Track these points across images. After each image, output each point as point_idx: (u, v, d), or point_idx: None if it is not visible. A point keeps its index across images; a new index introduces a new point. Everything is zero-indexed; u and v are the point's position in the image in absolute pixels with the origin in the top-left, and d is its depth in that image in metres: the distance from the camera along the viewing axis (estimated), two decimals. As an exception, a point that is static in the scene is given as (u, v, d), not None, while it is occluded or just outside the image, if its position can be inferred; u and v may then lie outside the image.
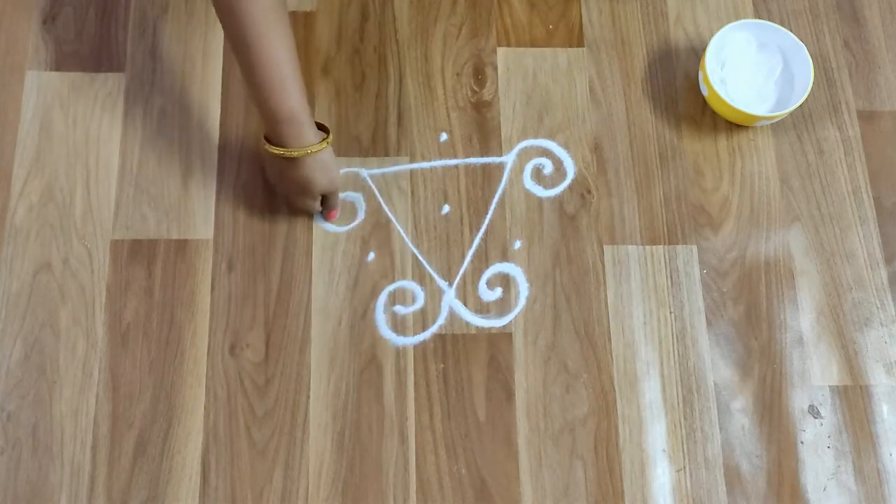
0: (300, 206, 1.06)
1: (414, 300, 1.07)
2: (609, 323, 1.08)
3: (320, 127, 1.00)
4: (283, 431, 1.01)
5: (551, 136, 1.16)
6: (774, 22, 1.20)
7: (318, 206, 1.06)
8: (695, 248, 1.12)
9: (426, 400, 1.03)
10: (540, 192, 1.13)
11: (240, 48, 0.90)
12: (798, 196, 1.15)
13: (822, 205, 1.15)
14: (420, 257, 1.09)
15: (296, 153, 0.96)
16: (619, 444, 1.03)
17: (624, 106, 1.18)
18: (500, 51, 1.20)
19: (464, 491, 1.00)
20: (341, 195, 1.11)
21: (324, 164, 0.99)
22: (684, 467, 1.03)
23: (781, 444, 1.04)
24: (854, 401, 1.07)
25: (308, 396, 1.03)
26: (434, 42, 1.20)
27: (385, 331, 1.06)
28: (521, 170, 1.14)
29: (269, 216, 1.10)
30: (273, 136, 0.96)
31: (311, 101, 1.15)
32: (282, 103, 0.93)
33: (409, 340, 1.06)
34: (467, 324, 1.07)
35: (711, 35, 1.16)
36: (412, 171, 1.13)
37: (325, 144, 0.97)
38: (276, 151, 0.96)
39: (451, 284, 1.08)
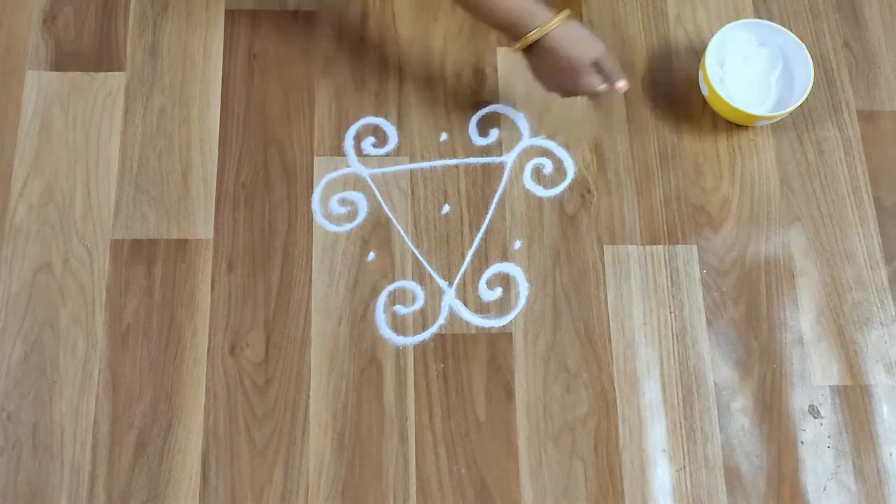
0: (585, 89, 1.04)
1: (414, 300, 1.07)
2: (609, 323, 1.08)
3: None
4: (283, 431, 1.01)
5: (551, 136, 1.16)
6: (774, 22, 1.19)
7: (598, 80, 1.03)
8: (695, 247, 1.12)
9: (426, 400, 1.03)
10: (540, 191, 1.13)
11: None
12: (798, 196, 1.15)
13: (822, 205, 1.15)
14: (420, 257, 1.09)
15: (543, 30, 0.99)
16: (619, 444, 1.03)
17: (624, 106, 1.18)
18: (500, 51, 1.20)
19: (464, 491, 1.00)
20: (342, 194, 1.11)
21: (575, 33, 1.01)
22: (684, 467, 1.03)
23: (781, 444, 1.04)
24: (854, 401, 1.07)
25: (308, 396, 1.03)
26: (434, 42, 1.20)
27: (385, 331, 1.06)
28: (521, 170, 1.14)
29: (269, 216, 1.10)
30: (518, 37, 1.01)
31: (312, 100, 1.15)
32: (507, 3, 1.00)
33: (409, 340, 1.06)
34: (467, 324, 1.07)
35: (711, 35, 1.16)
36: (412, 171, 1.13)
37: (564, 13, 1.00)
38: (530, 37, 0.99)
39: (451, 284, 1.08)
